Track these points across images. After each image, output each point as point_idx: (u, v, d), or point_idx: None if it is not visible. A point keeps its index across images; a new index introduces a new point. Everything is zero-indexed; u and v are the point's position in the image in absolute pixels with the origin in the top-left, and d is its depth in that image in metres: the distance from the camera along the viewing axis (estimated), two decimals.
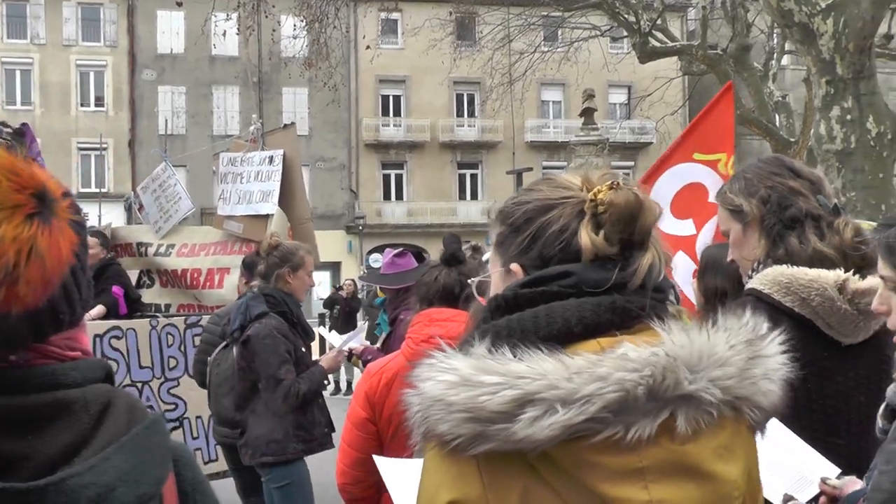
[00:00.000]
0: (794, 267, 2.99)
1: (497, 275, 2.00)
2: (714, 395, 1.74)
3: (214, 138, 45.58)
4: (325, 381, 6.47)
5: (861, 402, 2.89)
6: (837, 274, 2.95)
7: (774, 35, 26.28)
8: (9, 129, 8.38)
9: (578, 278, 1.82)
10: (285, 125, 11.23)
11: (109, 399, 1.51)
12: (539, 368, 1.67)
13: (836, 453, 2.74)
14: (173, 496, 1.56)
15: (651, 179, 6.21)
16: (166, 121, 43.04)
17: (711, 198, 6.71)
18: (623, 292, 1.83)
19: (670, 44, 25.58)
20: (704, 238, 6.50)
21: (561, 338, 1.74)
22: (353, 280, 25.88)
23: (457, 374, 1.70)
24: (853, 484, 2.58)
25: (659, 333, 1.77)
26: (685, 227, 5.80)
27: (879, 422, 2.46)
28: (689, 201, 6.06)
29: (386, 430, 4.08)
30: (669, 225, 5.48)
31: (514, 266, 1.92)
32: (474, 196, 53.00)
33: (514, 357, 1.70)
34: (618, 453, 1.68)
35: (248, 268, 7.31)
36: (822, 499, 2.62)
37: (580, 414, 1.64)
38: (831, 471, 2.67)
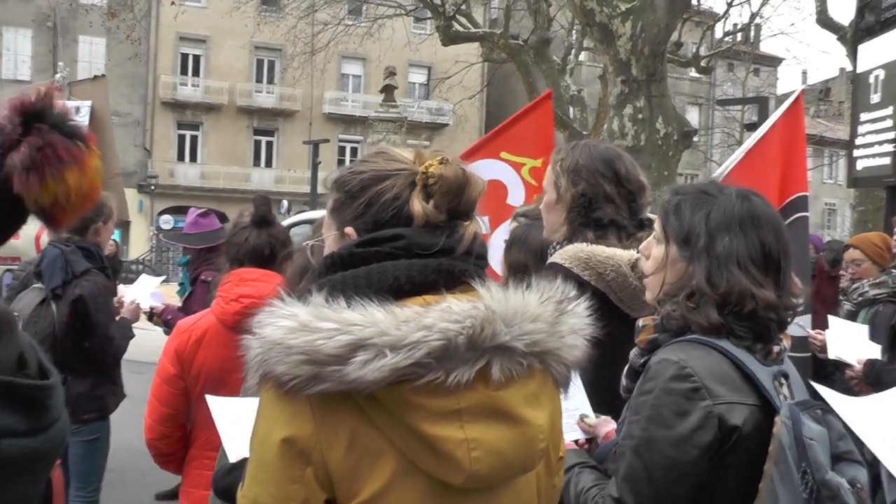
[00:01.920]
0: (593, 245, 3.32)
1: (332, 238, 2.15)
2: (526, 346, 1.96)
3: (3, 83, 43.55)
4: (131, 333, 6.34)
5: None
6: (631, 253, 3.29)
7: (574, 31, 27.16)
8: None
9: (409, 241, 1.99)
10: (95, 76, 10.92)
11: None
12: (371, 317, 1.84)
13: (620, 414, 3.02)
14: None
15: None
16: None
17: (510, 199, 7.03)
18: (450, 257, 2.02)
19: (473, 30, 26.04)
20: (497, 240, 6.80)
21: (391, 293, 1.91)
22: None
23: (296, 320, 1.85)
24: (606, 424, 2.94)
25: (479, 292, 1.97)
26: (480, 225, 6.05)
27: (623, 381, 2.80)
28: (488, 199, 6.32)
29: (194, 387, 4.14)
30: None
31: (349, 229, 2.08)
32: (269, 163, 52.33)
33: (349, 307, 1.86)
34: (438, 396, 1.87)
35: None
36: (582, 439, 2.95)
37: (407, 358, 1.81)
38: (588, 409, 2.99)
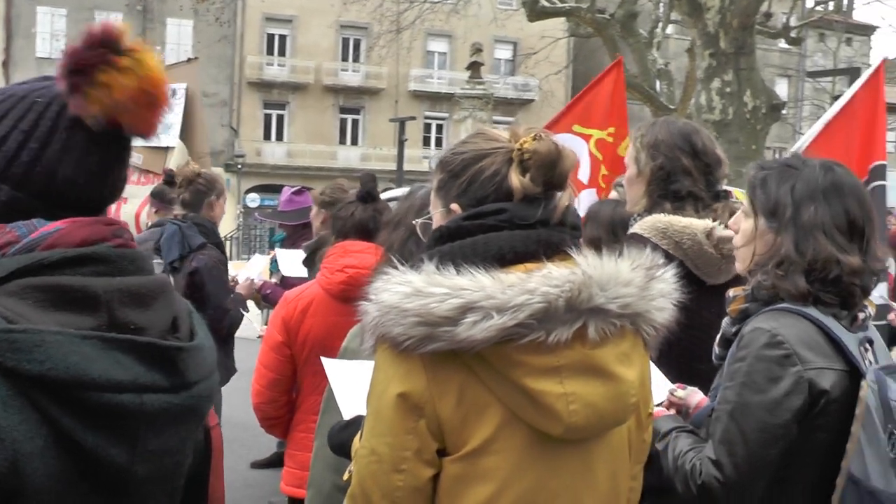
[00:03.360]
0: (670, 216, 3.47)
1: (438, 214, 2.34)
2: (619, 308, 2.12)
3: None
4: (245, 309, 6.58)
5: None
6: (706, 223, 3.44)
7: (661, 4, 26.85)
8: None
9: (511, 214, 2.16)
10: (189, 59, 11.20)
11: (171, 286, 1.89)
12: (479, 282, 2.02)
13: (698, 377, 3.15)
14: None
15: None
16: (45, 43, 41.87)
17: (580, 174, 7.11)
18: (546, 227, 2.19)
19: (559, 4, 25.77)
20: None
21: (496, 262, 2.09)
22: None
23: (411, 286, 2.04)
24: (695, 395, 3.04)
25: (575, 259, 2.13)
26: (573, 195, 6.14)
27: (716, 349, 2.96)
28: None
29: (300, 354, 4.36)
30: None
31: (454, 205, 2.26)
32: (354, 141, 52.70)
33: (458, 274, 2.04)
34: (540, 354, 2.05)
35: (159, 197, 7.18)
36: (672, 410, 3.06)
37: (512, 319, 1.99)
38: (665, 383, 3.11)
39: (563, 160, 2.23)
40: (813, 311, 2.61)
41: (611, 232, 3.98)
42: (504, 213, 2.16)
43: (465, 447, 2.10)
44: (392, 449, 2.09)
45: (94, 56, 1.69)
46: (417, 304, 2.01)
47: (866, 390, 2.49)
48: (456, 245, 2.14)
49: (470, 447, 2.09)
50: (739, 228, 2.89)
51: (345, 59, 52.09)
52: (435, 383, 2.07)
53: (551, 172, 2.21)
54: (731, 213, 3.38)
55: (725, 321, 2.89)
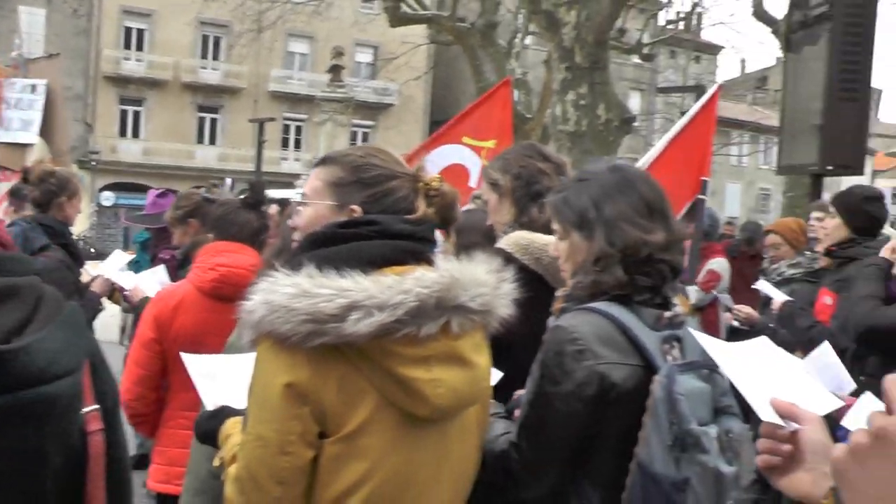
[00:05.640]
0: (533, 233, 3.72)
1: (326, 207, 2.62)
2: (479, 306, 2.46)
3: None
4: (100, 307, 6.46)
5: None
6: None
7: (520, 15, 27.44)
8: None
9: (382, 227, 2.47)
10: (50, 55, 11.10)
11: (42, 289, 1.91)
12: (360, 284, 2.30)
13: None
14: (87, 366, 1.96)
15: (417, 156, 6.72)
16: None
17: (471, 182, 7.46)
18: (412, 240, 2.51)
19: (421, 11, 26.16)
20: None
21: (368, 266, 2.36)
22: None
23: (298, 288, 2.28)
24: None
25: (443, 265, 2.48)
26: None
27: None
28: (452, 182, 6.69)
29: (171, 350, 4.39)
30: None
31: (357, 208, 2.56)
32: (213, 141, 51.93)
33: (340, 276, 2.30)
34: (412, 346, 2.35)
35: (15, 195, 6.98)
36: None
37: (390, 316, 2.27)
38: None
39: (457, 204, 2.70)
40: (615, 311, 2.82)
41: (487, 239, 4.14)
42: (376, 226, 2.47)
43: (344, 429, 2.34)
44: (278, 434, 2.31)
45: None
46: (306, 304, 2.24)
47: (656, 384, 2.72)
48: (332, 250, 2.39)
49: (348, 430, 2.34)
50: (560, 252, 3.11)
51: (204, 56, 51.28)
52: (318, 374, 2.30)
53: (449, 213, 2.68)
54: None
55: (550, 319, 3.07)
